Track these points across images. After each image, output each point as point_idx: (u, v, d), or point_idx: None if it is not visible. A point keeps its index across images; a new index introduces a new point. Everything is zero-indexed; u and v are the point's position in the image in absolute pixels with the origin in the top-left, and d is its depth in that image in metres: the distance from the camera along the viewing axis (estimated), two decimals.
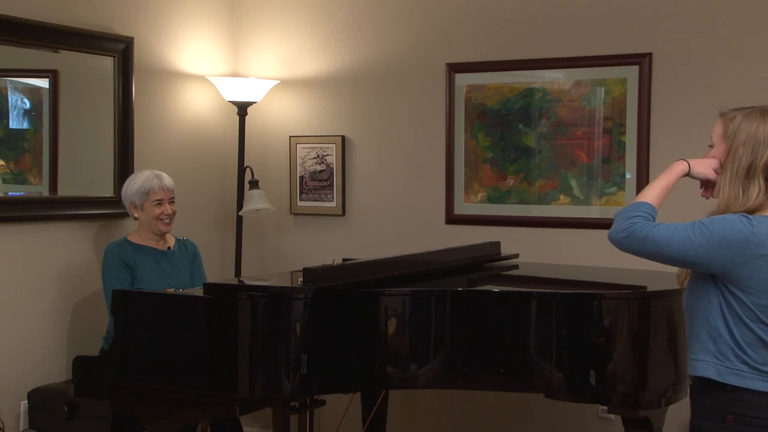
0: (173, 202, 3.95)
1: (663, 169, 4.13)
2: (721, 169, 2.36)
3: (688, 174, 2.43)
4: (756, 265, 2.23)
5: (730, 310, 2.28)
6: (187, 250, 4.07)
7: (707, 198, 2.44)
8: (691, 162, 2.42)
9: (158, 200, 3.88)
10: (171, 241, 4.03)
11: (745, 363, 2.26)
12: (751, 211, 2.29)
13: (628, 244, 2.31)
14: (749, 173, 2.29)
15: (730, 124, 2.34)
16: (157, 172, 3.94)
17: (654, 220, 2.32)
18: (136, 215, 3.93)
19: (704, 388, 2.33)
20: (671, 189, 2.43)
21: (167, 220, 3.91)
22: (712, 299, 2.30)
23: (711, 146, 2.41)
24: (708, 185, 2.44)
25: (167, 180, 3.94)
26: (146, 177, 3.90)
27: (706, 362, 2.31)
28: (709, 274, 2.30)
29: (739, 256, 2.23)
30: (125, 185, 3.96)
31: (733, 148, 2.32)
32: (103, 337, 3.91)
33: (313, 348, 3.00)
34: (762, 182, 2.29)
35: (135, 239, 3.93)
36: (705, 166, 2.40)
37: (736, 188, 2.30)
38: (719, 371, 2.28)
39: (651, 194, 2.38)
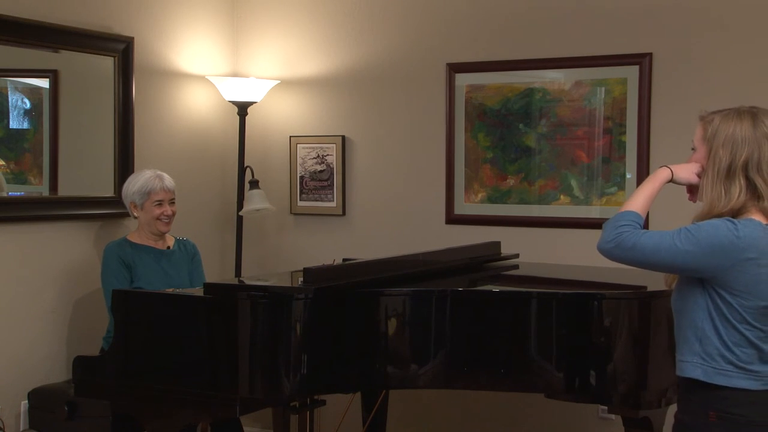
0: (173, 203, 3.95)
1: None
2: (703, 172, 2.40)
3: (671, 180, 2.45)
4: (742, 268, 2.26)
5: (717, 312, 2.31)
6: (187, 250, 4.07)
7: (694, 202, 2.47)
8: (674, 168, 2.46)
9: (159, 201, 3.88)
10: (170, 241, 4.03)
11: (731, 363, 2.29)
12: (735, 212, 2.31)
13: (617, 254, 2.35)
14: (729, 173, 2.32)
15: (709, 127, 2.38)
16: (159, 172, 3.94)
17: (641, 228, 2.34)
18: (135, 214, 3.94)
19: (691, 386, 2.36)
20: (656, 195, 2.44)
21: (167, 221, 3.92)
22: (698, 301, 2.33)
23: (693, 149, 2.45)
24: (693, 189, 2.47)
25: (168, 181, 3.94)
26: (148, 177, 3.90)
27: (693, 363, 2.34)
28: (696, 278, 2.32)
29: (725, 261, 2.25)
30: (126, 184, 3.97)
31: (713, 150, 2.35)
32: (103, 337, 3.91)
33: (313, 348, 3.00)
34: (743, 181, 2.31)
35: (134, 239, 3.94)
36: (687, 171, 2.44)
37: (719, 189, 2.33)
38: (706, 372, 2.31)
39: (636, 202, 2.41)
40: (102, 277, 3.87)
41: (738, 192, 2.30)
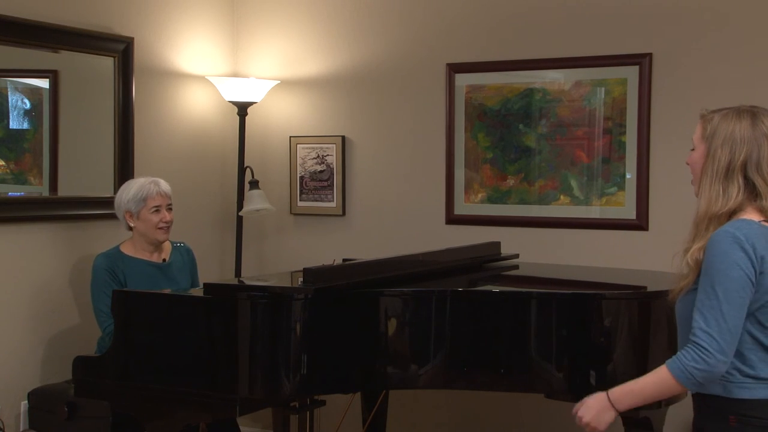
0: (171, 209, 3.79)
1: (662, 170, 4.15)
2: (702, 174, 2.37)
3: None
4: (764, 268, 2.24)
5: None
6: (184, 260, 3.93)
7: None
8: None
9: (156, 207, 3.72)
10: (166, 251, 3.87)
11: (748, 375, 2.26)
12: (732, 212, 2.29)
13: (714, 370, 2.22)
14: (728, 173, 2.30)
15: (708, 126, 2.36)
16: (153, 177, 3.80)
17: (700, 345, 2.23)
18: (131, 224, 3.75)
19: (708, 397, 2.32)
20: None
21: (165, 228, 3.75)
22: None
23: (693, 149, 2.42)
24: None
25: (164, 186, 3.78)
26: (142, 183, 3.74)
27: None
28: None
29: (754, 274, 2.22)
30: (119, 193, 3.79)
31: (712, 150, 2.33)
32: (97, 340, 3.86)
33: (313, 348, 3.00)
34: (741, 181, 2.30)
35: (128, 250, 3.77)
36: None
37: (717, 188, 2.31)
38: (726, 388, 2.28)
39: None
40: (92, 292, 3.74)
41: (736, 192, 2.29)
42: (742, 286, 2.22)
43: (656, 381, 2.31)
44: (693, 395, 2.40)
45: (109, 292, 3.55)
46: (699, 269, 2.29)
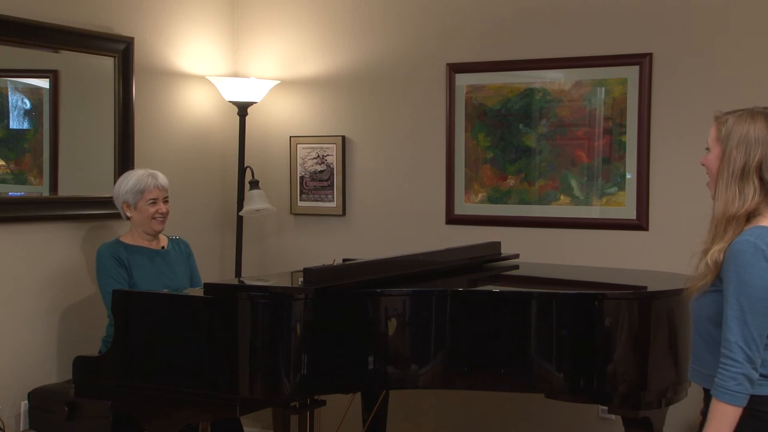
0: (167, 201, 3.89)
1: (662, 170, 4.16)
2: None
3: None
4: None
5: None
6: (181, 250, 4.02)
7: None
8: None
9: (153, 199, 3.82)
10: (164, 241, 3.98)
11: (762, 375, 2.27)
12: (749, 214, 2.30)
13: (749, 377, 2.25)
14: (743, 174, 2.32)
15: (723, 128, 2.38)
16: (151, 170, 3.89)
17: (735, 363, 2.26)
18: (128, 214, 3.86)
19: None
20: None
21: (161, 219, 3.85)
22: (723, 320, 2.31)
23: (707, 149, 2.44)
24: None
25: (162, 179, 3.88)
26: (140, 175, 3.84)
27: None
28: (719, 294, 2.30)
29: None
30: (118, 184, 3.90)
31: (727, 151, 2.35)
32: (101, 338, 3.89)
33: (313, 348, 3.00)
34: (756, 182, 2.31)
35: (128, 240, 3.88)
36: None
37: (733, 190, 2.32)
38: None
39: None
40: (98, 280, 3.81)
41: (752, 193, 2.31)
42: (765, 296, 2.24)
43: (719, 418, 2.27)
44: (704, 387, 2.40)
45: (117, 276, 3.72)
46: (718, 270, 2.31)
